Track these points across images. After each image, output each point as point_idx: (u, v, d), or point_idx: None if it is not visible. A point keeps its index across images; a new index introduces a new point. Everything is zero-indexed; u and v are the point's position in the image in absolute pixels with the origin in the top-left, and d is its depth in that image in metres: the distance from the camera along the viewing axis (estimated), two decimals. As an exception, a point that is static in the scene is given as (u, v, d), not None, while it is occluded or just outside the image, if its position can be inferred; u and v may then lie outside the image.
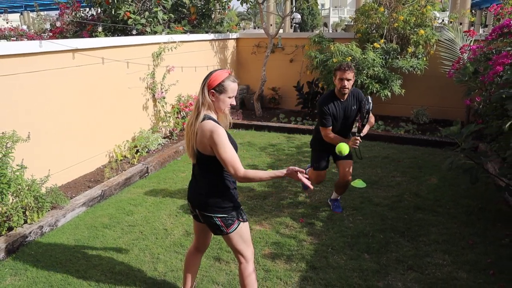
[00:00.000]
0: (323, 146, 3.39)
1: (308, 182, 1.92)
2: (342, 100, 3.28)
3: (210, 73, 1.98)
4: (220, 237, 2.29)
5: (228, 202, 2.04)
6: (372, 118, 3.31)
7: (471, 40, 5.70)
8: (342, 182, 3.44)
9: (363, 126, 3.04)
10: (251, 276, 2.12)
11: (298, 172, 1.90)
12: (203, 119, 1.93)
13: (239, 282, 2.23)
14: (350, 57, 5.87)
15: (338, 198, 3.68)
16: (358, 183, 4.05)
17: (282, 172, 1.92)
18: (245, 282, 2.11)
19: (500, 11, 4.87)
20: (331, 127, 3.28)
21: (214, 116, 2.00)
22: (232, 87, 1.97)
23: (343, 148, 2.98)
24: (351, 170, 3.42)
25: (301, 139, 5.89)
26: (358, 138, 3.04)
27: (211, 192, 2.02)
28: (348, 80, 3.17)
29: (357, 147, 3.08)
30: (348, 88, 3.20)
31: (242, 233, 2.08)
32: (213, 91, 1.95)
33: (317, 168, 3.52)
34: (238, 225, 2.06)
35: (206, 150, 1.95)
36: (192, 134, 1.97)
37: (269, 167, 4.71)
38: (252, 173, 1.90)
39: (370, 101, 2.95)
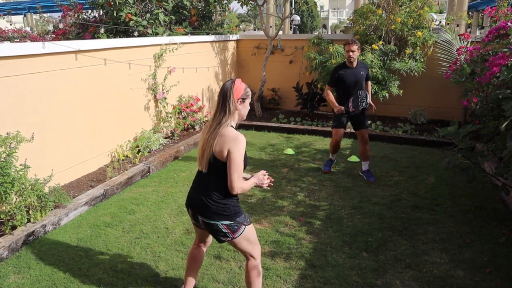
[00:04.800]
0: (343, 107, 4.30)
1: (265, 185, 2.19)
2: (351, 67, 4.23)
3: (232, 84, 2.07)
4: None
5: (234, 209, 2.12)
6: (368, 87, 4.44)
7: (467, 42, 5.76)
8: (362, 146, 4.36)
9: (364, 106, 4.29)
10: (256, 269, 2.21)
11: (261, 175, 2.19)
12: (226, 127, 2.05)
13: (244, 277, 2.31)
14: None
15: (368, 167, 4.39)
16: (353, 158, 4.97)
17: (253, 182, 2.16)
18: (250, 274, 2.21)
19: (495, 13, 4.92)
20: (331, 87, 4.38)
21: (233, 124, 2.12)
22: (249, 92, 2.17)
23: None
24: (366, 136, 4.36)
25: (300, 139, 5.94)
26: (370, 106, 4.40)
27: (219, 200, 2.08)
28: (353, 51, 4.12)
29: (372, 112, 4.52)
30: (353, 57, 4.14)
31: (248, 236, 2.16)
32: (240, 99, 2.09)
33: (335, 127, 4.40)
34: (244, 229, 2.14)
35: (223, 157, 2.01)
36: (213, 141, 2.02)
37: (269, 167, 4.76)
38: (247, 184, 2.10)
39: (367, 101, 4.27)
